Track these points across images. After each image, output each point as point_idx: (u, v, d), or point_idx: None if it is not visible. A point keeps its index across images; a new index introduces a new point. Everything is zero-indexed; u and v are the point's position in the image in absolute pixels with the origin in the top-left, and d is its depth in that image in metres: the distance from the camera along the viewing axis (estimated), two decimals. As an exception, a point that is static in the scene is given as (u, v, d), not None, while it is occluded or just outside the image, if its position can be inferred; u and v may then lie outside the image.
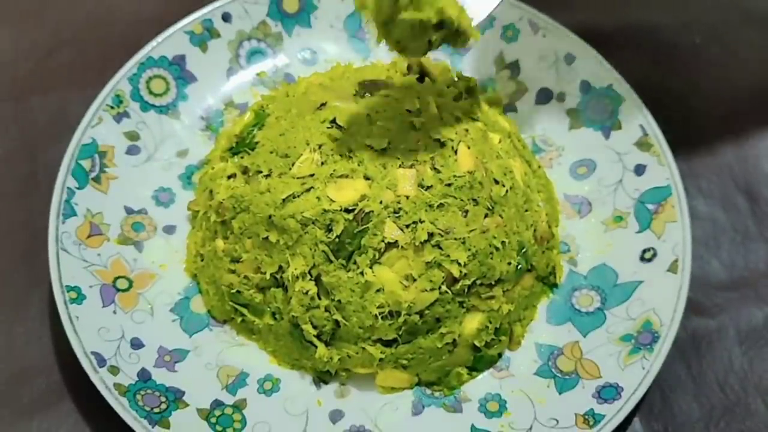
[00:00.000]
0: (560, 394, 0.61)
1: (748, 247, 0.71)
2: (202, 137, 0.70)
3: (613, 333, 0.62)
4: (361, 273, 0.58)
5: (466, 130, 0.63)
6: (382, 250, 0.58)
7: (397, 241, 0.58)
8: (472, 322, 0.61)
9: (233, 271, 0.62)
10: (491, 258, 0.60)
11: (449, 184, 0.59)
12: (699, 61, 0.80)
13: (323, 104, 0.63)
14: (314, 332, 0.60)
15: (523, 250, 0.63)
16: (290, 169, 0.60)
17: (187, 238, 0.67)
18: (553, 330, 0.64)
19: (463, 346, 0.61)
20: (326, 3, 0.74)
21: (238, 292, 0.62)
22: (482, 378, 0.62)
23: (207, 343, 0.63)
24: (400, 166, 0.59)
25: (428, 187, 0.59)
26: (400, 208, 0.58)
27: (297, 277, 0.59)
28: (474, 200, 0.60)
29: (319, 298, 0.59)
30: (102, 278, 0.62)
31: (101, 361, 0.58)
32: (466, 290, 0.60)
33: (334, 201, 0.58)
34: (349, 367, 0.61)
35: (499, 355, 0.63)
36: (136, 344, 0.61)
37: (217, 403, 0.60)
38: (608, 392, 0.60)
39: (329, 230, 0.58)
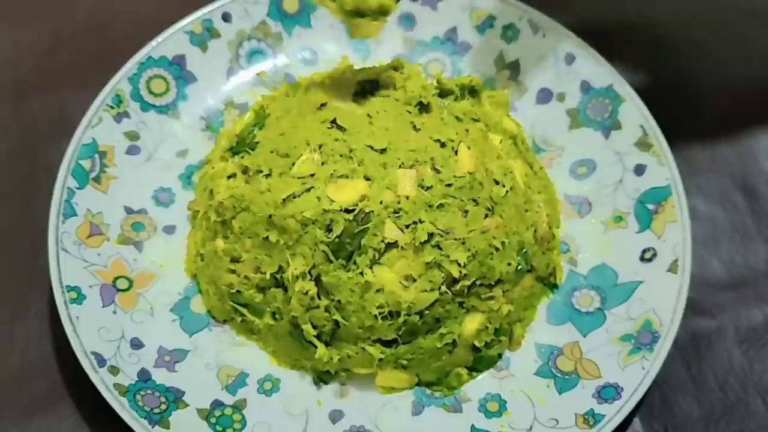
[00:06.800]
0: (560, 394, 0.61)
1: (748, 247, 0.71)
2: (202, 137, 0.70)
3: (613, 333, 0.62)
4: (361, 273, 0.58)
5: (467, 131, 0.63)
6: (382, 250, 0.58)
7: (397, 241, 0.58)
8: (471, 323, 0.61)
9: (233, 271, 0.62)
10: (491, 258, 0.60)
11: (449, 185, 0.59)
12: (699, 60, 0.79)
13: (323, 104, 0.63)
14: (314, 332, 0.60)
15: (523, 251, 0.62)
16: (290, 169, 0.60)
17: (187, 238, 0.67)
18: (553, 330, 0.64)
19: (463, 346, 0.61)
20: (326, 3, 0.74)
21: (238, 292, 0.62)
22: (482, 378, 0.62)
23: (207, 343, 0.63)
24: (400, 167, 0.59)
25: (428, 188, 0.59)
26: (400, 209, 0.58)
27: (297, 277, 0.59)
28: (474, 201, 0.60)
29: (319, 298, 0.59)
30: (102, 278, 0.62)
31: (101, 361, 0.58)
32: (465, 291, 0.60)
33: (334, 201, 0.58)
34: (349, 368, 0.61)
35: (499, 356, 0.63)
36: (136, 344, 0.61)
37: (217, 403, 0.60)
38: (608, 392, 0.60)
39: (329, 230, 0.58)
